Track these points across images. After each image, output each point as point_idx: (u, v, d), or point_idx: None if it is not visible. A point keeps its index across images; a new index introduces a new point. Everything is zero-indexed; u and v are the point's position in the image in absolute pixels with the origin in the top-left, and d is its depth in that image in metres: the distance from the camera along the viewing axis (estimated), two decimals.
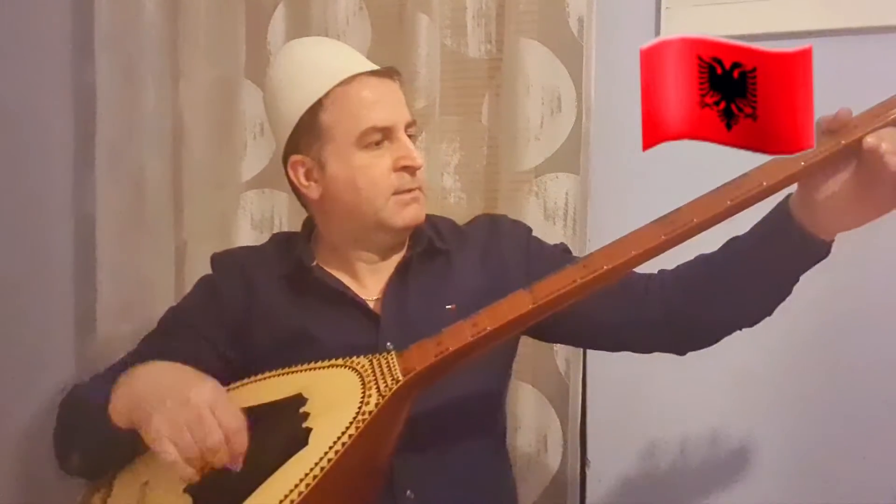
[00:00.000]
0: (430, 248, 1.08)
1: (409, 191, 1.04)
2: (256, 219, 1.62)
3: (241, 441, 0.83)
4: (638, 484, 1.44)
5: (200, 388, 0.84)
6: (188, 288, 1.17)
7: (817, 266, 0.91)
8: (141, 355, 1.02)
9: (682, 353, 1.05)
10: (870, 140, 0.80)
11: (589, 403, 1.42)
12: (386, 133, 1.02)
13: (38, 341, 1.71)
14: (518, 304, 0.88)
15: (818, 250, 0.89)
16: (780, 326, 1.27)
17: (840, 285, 1.28)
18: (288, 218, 1.60)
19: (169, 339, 1.08)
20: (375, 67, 1.06)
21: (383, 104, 1.03)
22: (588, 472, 1.44)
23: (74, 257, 1.70)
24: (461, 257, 1.10)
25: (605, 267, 0.86)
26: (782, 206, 0.90)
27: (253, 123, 1.61)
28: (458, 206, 1.51)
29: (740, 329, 1.00)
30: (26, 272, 1.71)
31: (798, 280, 0.94)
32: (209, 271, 1.14)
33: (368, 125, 1.01)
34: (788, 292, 0.95)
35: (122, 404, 0.89)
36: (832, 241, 0.89)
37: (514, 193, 1.45)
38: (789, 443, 1.37)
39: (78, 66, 1.68)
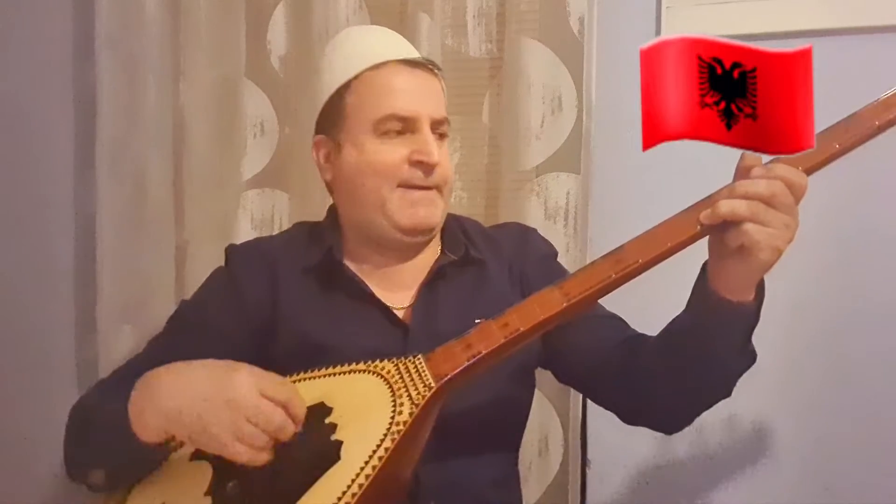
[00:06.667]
0: (465, 256, 1.04)
1: (420, 188, 0.98)
2: (257, 218, 1.62)
3: (300, 406, 0.82)
4: (638, 484, 1.44)
5: (237, 377, 0.81)
6: (188, 288, 1.15)
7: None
8: (150, 358, 0.95)
9: (666, 431, 1.02)
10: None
11: (589, 403, 1.42)
12: (407, 124, 0.98)
13: (38, 341, 1.71)
14: (549, 302, 0.82)
15: (735, 312, 0.81)
16: (786, 323, 1.28)
17: (844, 283, 1.28)
18: (289, 218, 1.60)
19: (180, 340, 1.01)
20: (415, 56, 1.02)
21: (411, 94, 0.98)
22: (588, 472, 1.44)
23: (75, 257, 1.70)
24: (494, 267, 1.06)
25: (639, 261, 0.80)
26: (700, 273, 0.85)
27: (253, 123, 1.62)
28: (459, 206, 1.51)
29: (711, 405, 0.94)
30: (27, 272, 1.71)
31: (745, 354, 0.87)
32: (210, 271, 1.09)
33: (389, 112, 0.97)
34: (737, 365, 0.88)
35: (152, 419, 0.83)
36: (750, 301, 0.81)
37: (515, 193, 1.45)
38: (793, 442, 1.37)
39: (78, 66, 1.68)
